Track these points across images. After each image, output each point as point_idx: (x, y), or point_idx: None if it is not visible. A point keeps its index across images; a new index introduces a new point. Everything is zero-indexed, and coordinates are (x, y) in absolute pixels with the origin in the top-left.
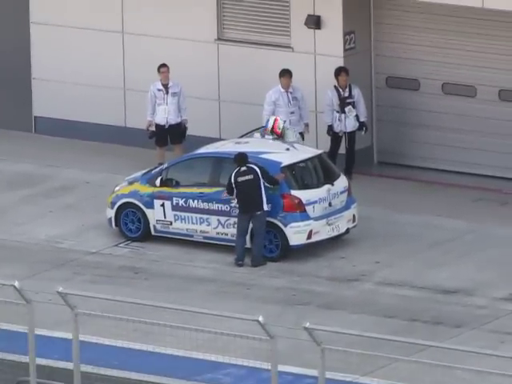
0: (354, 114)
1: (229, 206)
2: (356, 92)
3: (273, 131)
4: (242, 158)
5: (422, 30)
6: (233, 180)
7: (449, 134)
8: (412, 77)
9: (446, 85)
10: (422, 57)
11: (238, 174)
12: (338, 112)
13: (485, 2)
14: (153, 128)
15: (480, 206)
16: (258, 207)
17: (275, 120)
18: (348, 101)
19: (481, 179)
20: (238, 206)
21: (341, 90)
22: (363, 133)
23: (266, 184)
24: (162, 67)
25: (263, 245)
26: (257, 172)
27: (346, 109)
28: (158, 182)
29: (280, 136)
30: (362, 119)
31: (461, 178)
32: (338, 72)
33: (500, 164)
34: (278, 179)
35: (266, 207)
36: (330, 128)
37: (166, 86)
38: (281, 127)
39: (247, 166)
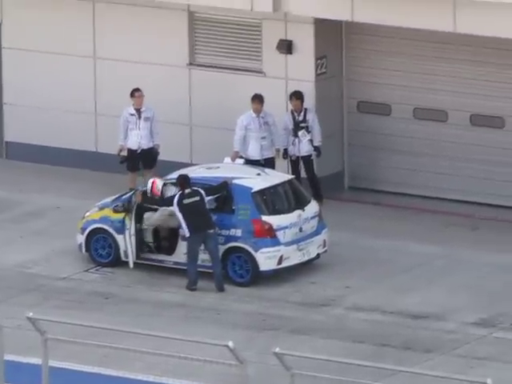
0: (308, 138)
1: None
2: (311, 116)
3: (152, 193)
4: (185, 181)
5: (393, 55)
6: (176, 202)
7: (420, 159)
8: (383, 102)
9: (418, 110)
10: (393, 82)
11: (183, 197)
12: (292, 136)
13: (457, 27)
14: (124, 153)
15: (452, 231)
16: (209, 225)
17: (153, 182)
18: (302, 125)
19: (452, 204)
20: (187, 229)
21: (295, 114)
22: (313, 157)
23: (214, 197)
24: (137, 91)
25: (221, 266)
26: (201, 193)
27: (300, 133)
28: (112, 208)
29: (161, 195)
30: (315, 143)
31: (432, 203)
32: (290, 96)
33: (472, 189)
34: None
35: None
36: (286, 152)
37: (138, 111)
38: (159, 188)
39: (191, 189)
